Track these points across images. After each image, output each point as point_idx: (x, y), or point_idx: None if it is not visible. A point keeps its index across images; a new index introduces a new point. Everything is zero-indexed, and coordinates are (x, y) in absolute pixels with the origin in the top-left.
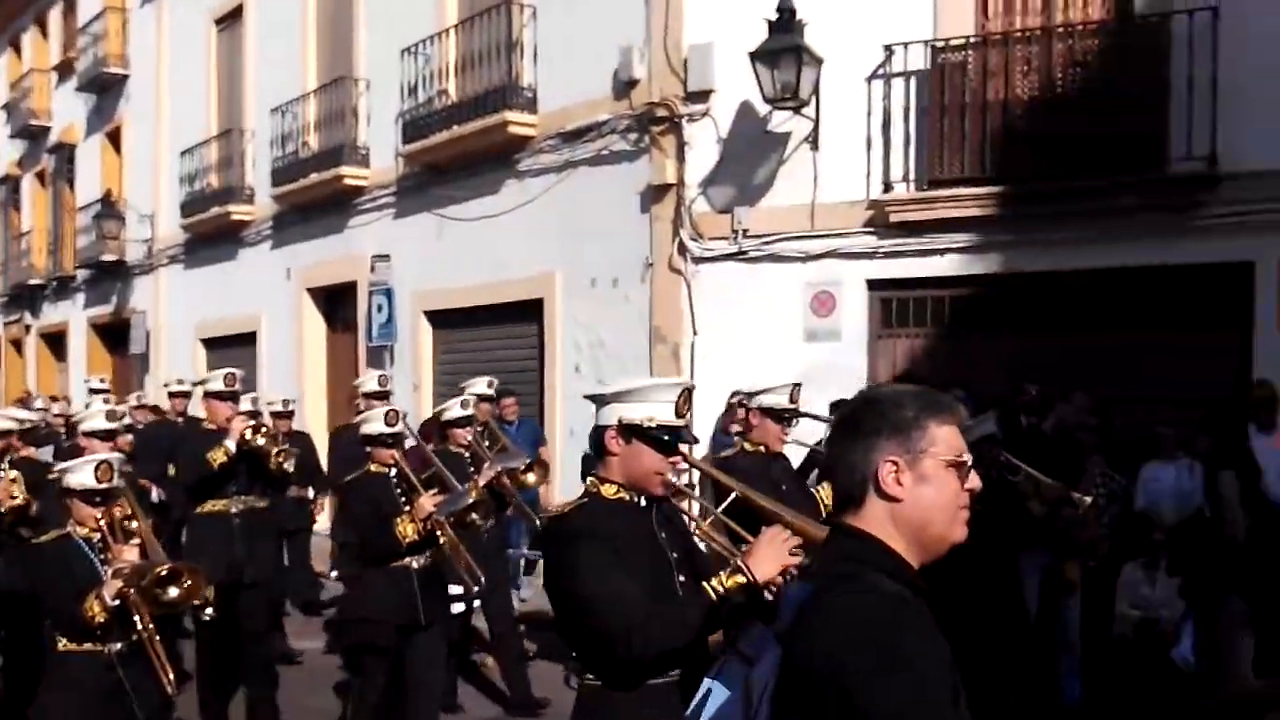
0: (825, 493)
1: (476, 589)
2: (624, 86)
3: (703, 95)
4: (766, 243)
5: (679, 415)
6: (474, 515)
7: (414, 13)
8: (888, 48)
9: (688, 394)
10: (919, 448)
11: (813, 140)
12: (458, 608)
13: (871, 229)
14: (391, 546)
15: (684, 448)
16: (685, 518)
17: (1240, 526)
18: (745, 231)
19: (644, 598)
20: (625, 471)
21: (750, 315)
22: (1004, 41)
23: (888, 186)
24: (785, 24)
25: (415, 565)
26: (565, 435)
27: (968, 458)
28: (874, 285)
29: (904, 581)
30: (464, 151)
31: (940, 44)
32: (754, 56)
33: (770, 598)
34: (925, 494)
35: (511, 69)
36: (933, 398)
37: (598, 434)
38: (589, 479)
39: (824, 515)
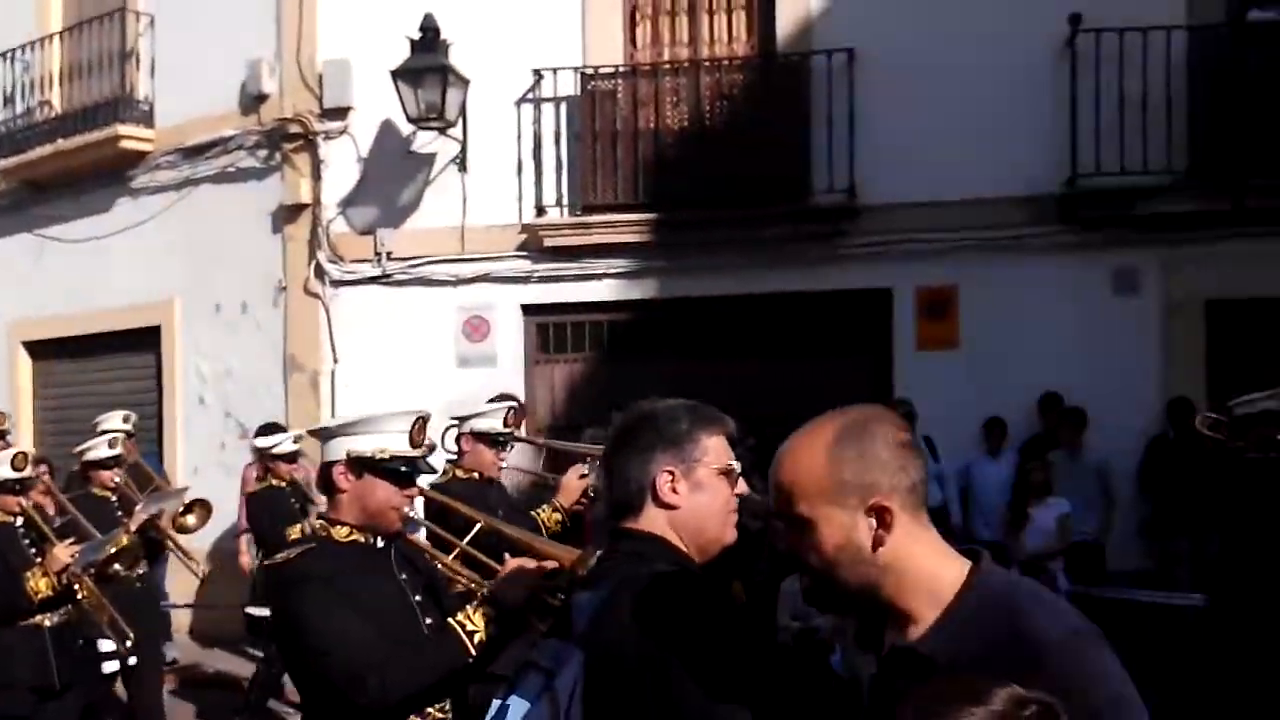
0: (545, 515)
1: (129, 644)
2: (253, 101)
3: (340, 112)
4: (413, 265)
5: (414, 445)
6: (117, 565)
7: (12, 16)
8: (537, 72)
9: (422, 422)
10: (693, 458)
11: (461, 162)
12: (110, 666)
13: (525, 253)
14: (20, 604)
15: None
16: (426, 555)
17: None
18: (389, 254)
19: (380, 640)
20: (358, 509)
21: (397, 341)
22: (653, 72)
23: (540, 210)
24: (429, 43)
25: (48, 623)
26: (188, 473)
27: (736, 466)
28: (529, 310)
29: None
30: (70, 167)
31: (590, 71)
32: (396, 75)
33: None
34: (701, 500)
35: (125, 80)
36: (704, 412)
37: (325, 471)
38: (319, 520)
39: (545, 536)
